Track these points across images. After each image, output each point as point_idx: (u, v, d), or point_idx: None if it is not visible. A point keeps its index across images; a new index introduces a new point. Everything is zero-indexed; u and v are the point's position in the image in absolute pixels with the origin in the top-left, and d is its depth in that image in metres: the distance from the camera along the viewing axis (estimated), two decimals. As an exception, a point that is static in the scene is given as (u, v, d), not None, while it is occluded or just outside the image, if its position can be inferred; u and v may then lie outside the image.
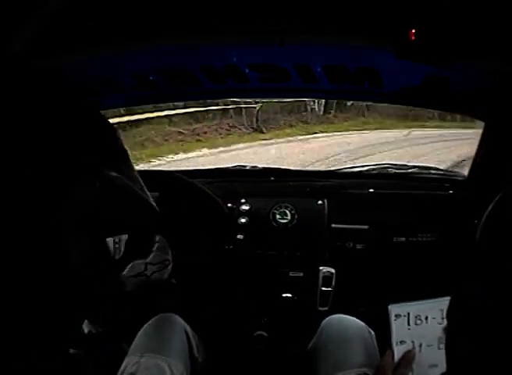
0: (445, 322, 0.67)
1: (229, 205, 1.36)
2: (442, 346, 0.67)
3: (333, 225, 1.36)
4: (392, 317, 0.70)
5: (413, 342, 0.70)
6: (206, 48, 1.06)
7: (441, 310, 0.70)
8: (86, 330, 0.83)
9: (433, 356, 0.69)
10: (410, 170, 1.60)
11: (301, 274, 1.35)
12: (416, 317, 0.70)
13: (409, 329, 0.70)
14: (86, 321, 0.87)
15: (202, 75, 1.19)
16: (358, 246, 1.34)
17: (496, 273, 0.38)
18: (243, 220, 1.35)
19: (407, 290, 1.34)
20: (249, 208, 1.37)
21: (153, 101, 1.60)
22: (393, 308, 0.71)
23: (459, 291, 0.45)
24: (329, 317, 1.03)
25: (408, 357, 0.69)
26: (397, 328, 0.70)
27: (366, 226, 1.35)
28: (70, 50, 0.96)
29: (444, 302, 0.67)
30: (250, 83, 1.23)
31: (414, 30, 0.85)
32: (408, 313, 0.70)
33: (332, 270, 1.33)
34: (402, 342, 0.70)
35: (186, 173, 1.50)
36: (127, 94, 1.29)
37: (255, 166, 1.66)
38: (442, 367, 0.64)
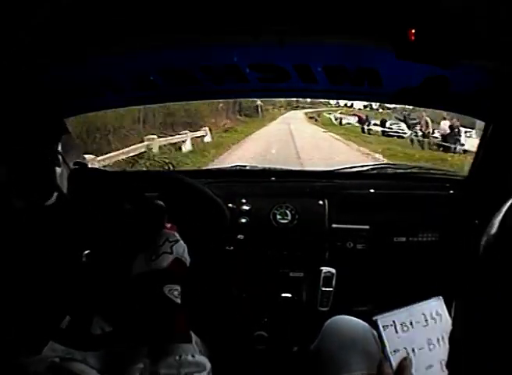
0: (429, 323, 0.73)
1: (230, 205, 1.36)
2: (432, 347, 0.72)
3: (334, 225, 1.36)
4: (381, 328, 0.73)
5: (405, 349, 0.72)
6: (206, 48, 1.06)
7: (423, 314, 0.74)
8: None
9: (427, 358, 0.72)
10: (410, 170, 1.59)
11: (302, 274, 1.35)
12: (402, 324, 0.73)
13: (398, 337, 0.73)
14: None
15: (202, 75, 1.18)
16: (359, 246, 1.35)
17: (498, 287, 0.39)
18: (243, 220, 1.35)
19: (407, 290, 1.34)
20: (249, 209, 1.37)
21: (153, 101, 1.60)
22: (380, 320, 0.74)
23: (461, 301, 0.45)
24: (332, 318, 1.01)
25: (405, 365, 0.70)
26: (388, 338, 0.73)
27: (366, 227, 1.35)
28: (70, 50, 0.96)
29: (424, 306, 0.75)
30: (250, 83, 1.23)
31: (413, 30, 0.85)
32: (394, 322, 0.73)
33: (333, 270, 1.33)
34: (396, 351, 0.72)
35: (187, 173, 1.50)
36: (127, 94, 1.29)
37: (255, 166, 1.66)
38: (437, 366, 0.70)
